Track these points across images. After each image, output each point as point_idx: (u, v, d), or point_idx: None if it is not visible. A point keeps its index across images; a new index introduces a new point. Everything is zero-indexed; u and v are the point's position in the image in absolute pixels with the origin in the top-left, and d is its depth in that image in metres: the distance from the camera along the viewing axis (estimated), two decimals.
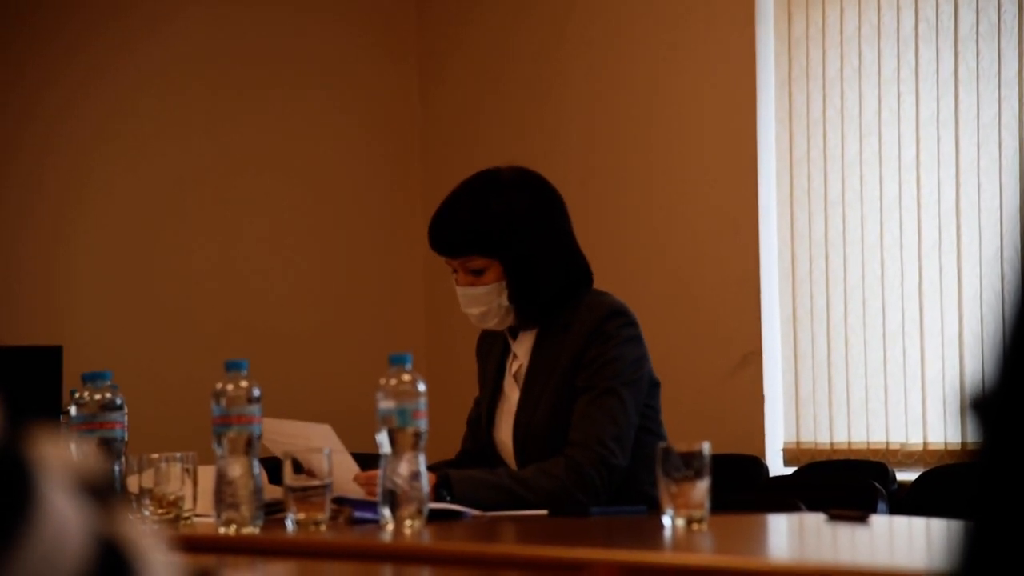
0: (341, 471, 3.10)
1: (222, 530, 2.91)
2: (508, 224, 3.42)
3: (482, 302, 3.45)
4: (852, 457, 5.51)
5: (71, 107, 6.47)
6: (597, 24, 6.41)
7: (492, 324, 3.49)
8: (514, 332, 3.54)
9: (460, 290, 3.47)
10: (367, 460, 3.32)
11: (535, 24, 6.64)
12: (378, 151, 7.06)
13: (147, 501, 3.15)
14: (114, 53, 6.56)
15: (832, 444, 5.63)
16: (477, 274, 3.44)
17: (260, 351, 6.36)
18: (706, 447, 2.68)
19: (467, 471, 3.35)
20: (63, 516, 0.82)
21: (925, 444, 5.39)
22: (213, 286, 6.69)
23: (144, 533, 0.87)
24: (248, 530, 2.90)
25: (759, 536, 2.95)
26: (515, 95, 6.70)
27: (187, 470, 3.18)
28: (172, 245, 6.62)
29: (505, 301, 3.44)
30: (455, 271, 3.48)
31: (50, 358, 4.08)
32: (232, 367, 2.96)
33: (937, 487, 4.85)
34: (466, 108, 6.91)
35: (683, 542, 2.57)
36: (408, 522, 2.83)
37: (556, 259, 3.46)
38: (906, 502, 4.85)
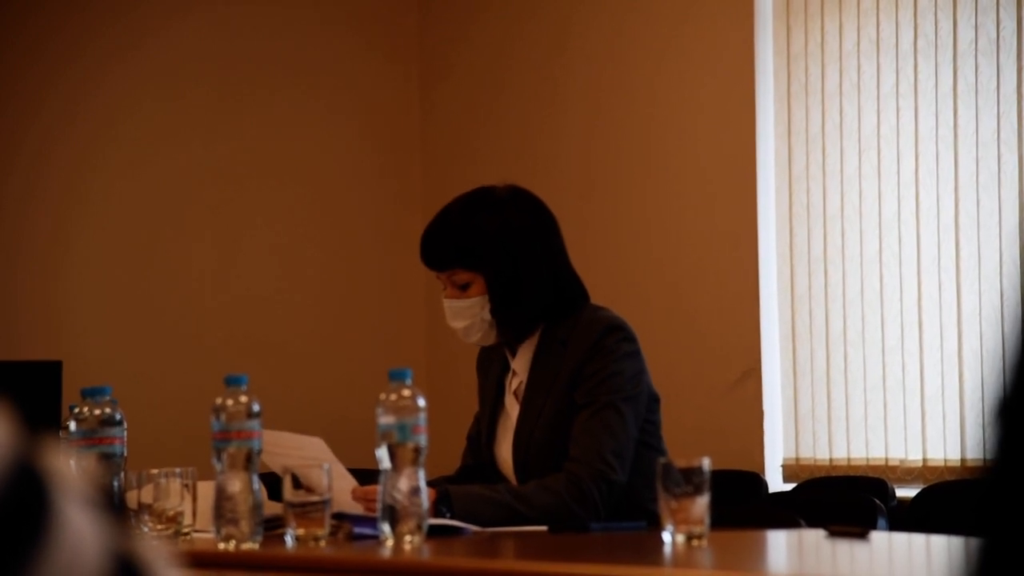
0: (336, 483, 3.10)
1: (221, 546, 2.91)
2: (493, 239, 3.44)
3: (465, 316, 3.47)
4: (851, 473, 5.51)
5: (69, 113, 6.47)
6: (597, 37, 6.41)
7: (476, 339, 3.51)
8: (513, 348, 3.55)
9: (446, 303, 3.50)
10: (366, 475, 3.31)
11: (535, 35, 6.65)
12: (379, 160, 7.05)
13: (146, 517, 3.15)
14: (113, 57, 6.55)
15: (831, 460, 5.63)
16: (463, 288, 3.47)
17: (260, 364, 6.36)
18: (706, 463, 2.67)
19: (467, 487, 3.35)
20: (80, 531, 0.82)
21: (925, 460, 5.39)
22: (212, 299, 6.69)
23: (155, 549, 0.87)
24: (247, 546, 2.90)
25: (759, 552, 2.95)
26: (515, 106, 6.70)
27: (186, 485, 3.18)
28: (171, 258, 6.62)
29: (488, 315, 3.46)
30: (444, 286, 3.51)
31: (50, 373, 4.08)
32: (232, 382, 2.96)
33: (937, 503, 4.85)
34: (466, 118, 6.91)
35: (683, 558, 2.57)
36: (408, 538, 2.83)
37: (541, 277, 3.47)
38: (906, 518, 4.85)
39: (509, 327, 3.48)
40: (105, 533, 0.84)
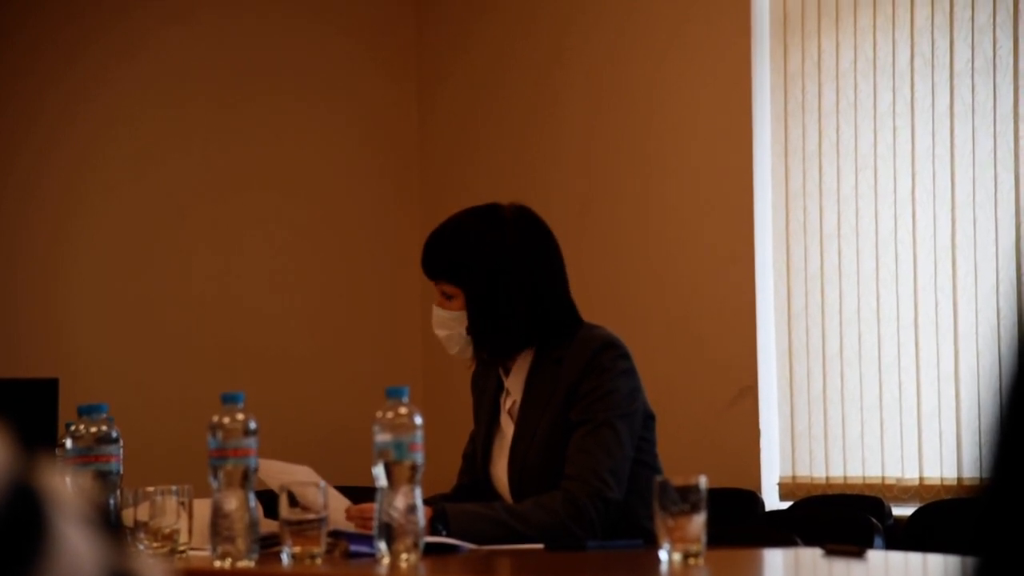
0: (330, 503, 3.10)
1: (218, 563, 2.90)
2: (477, 257, 3.45)
3: (447, 326, 3.50)
4: (848, 491, 5.50)
5: (69, 116, 6.47)
6: (593, 50, 6.42)
7: (456, 350, 3.53)
8: (506, 367, 3.55)
9: (434, 310, 3.53)
10: (362, 493, 3.31)
11: (532, 44, 6.66)
12: (377, 167, 7.06)
13: (142, 534, 3.14)
14: (112, 61, 6.55)
15: (828, 478, 5.62)
16: (449, 299, 3.49)
17: (257, 381, 6.36)
18: (703, 481, 2.67)
19: (463, 505, 3.35)
20: (76, 550, 0.82)
21: (921, 479, 5.38)
22: (208, 316, 6.68)
23: (153, 567, 0.87)
24: (244, 563, 2.90)
25: (756, 571, 2.95)
26: (512, 114, 6.71)
27: (183, 503, 3.17)
28: (168, 274, 6.61)
29: (464, 331, 3.48)
30: (437, 293, 3.54)
31: (46, 391, 4.07)
32: (228, 400, 2.95)
33: (934, 522, 4.85)
34: (465, 125, 6.92)
35: None
36: (404, 556, 2.83)
37: (523, 302, 3.46)
38: (902, 537, 4.84)
39: (483, 346, 3.49)
40: (101, 551, 0.84)
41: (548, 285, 3.51)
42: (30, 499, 0.82)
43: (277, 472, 3.21)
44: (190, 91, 6.68)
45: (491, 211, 3.53)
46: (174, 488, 3.18)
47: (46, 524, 0.81)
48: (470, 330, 3.48)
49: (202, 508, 3.09)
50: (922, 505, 5.10)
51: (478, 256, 3.46)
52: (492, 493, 3.54)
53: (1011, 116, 5.23)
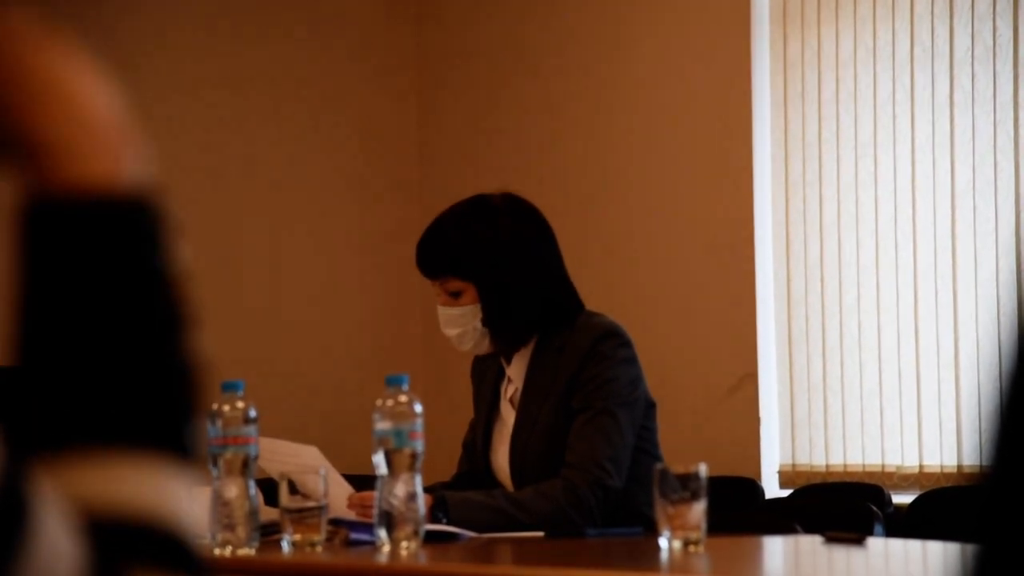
0: (332, 490, 3.10)
1: (218, 552, 2.91)
2: (483, 249, 3.44)
3: (458, 324, 3.47)
4: (848, 479, 5.51)
5: None
6: (594, 50, 6.42)
7: (469, 347, 3.51)
8: (508, 355, 3.55)
9: (439, 310, 3.50)
10: (363, 481, 3.31)
11: (532, 51, 6.65)
12: (377, 169, 7.06)
13: None
14: (114, 64, 6.55)
15: (828, 466, 5.63)
16: (455, 296, 3.47)
17: (257, 369, 6.36)
18: (703, 469, 2.67)
19: (463, 493, 3.35)
20: (57, 548, 0.82)
21: (921, 467, 5.39)
22: (209, 305, 6.68)
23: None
24: (244, 551, 2.90)
25: (756, 558, 2.95)
26: (512, 118, 6.70)
27: None
28: None
29: (479, 324, 3.46)
30: (438, 293, 3.51)
31: None
32: (228, 388, 2.96)
33: (933, 510, 4.85)
34: (464, 132, 6.91)
35: (680, 564, 2.57)
36: (404, 544, 2.83)
37: (532, 287, 3.46)
38: (902, 525, 4.85)
39: (502, 336, 3.48)
40: (88, 553, 0.83)
41: (550, 266, 3.51)
42: (11, 497, 0.81)
43: (281, 453, 3.21)
44: (190, 98, 6.67)
45: (480, 201, 3.52)
46: None
47: (25, 522, 0.81)
48: (486, 322, 3.46)
49: (202, 496, 3.09)
50: (922, 493, 5.11)
51: (480, 246, 3.45)
52: (493, 481, 3.54)
53: (1011, 104, 5.23)
